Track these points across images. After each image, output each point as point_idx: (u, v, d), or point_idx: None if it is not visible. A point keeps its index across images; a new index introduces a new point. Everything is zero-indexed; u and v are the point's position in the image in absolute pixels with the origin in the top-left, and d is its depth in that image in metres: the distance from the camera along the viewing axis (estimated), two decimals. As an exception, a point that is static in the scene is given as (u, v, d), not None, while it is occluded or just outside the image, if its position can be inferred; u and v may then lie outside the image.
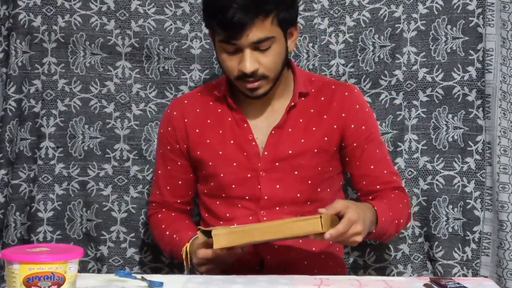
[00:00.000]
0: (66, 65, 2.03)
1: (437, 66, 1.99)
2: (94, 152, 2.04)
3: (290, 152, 1.68)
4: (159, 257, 2.06)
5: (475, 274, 1.98)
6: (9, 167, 2.03)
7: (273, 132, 1.69)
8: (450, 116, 1.99)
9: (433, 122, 2.00)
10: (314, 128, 1.70)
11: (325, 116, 1.71)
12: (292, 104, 1.69)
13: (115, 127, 2.04)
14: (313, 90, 1.73)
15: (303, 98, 1.71)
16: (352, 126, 1.72)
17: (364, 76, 2.00)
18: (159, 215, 1.81)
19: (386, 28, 1.99)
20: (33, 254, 1.20)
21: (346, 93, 1.74)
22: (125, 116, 2.04)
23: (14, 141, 2.02)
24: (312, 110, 1.71)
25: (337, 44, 2.01)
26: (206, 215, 1.76)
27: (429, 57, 1.99)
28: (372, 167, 1.73)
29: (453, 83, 1.98)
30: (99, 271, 2.05)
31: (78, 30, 2.01)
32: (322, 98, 1.72)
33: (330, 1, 2.00)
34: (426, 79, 1.99)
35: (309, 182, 1.69)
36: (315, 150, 1.69)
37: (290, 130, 1.69)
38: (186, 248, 1.60)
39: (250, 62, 1.58)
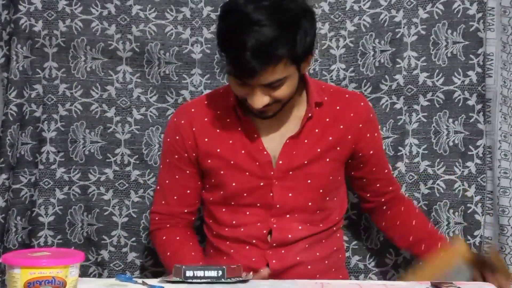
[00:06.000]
0: (67, 69, 2.03)
1: (437, 70, 1.99)
2: (95, 156, 2.04)
3: (305, 162, 1.67)
4: (160, 261, 2.05)
5: (476, 278, 1.97)
6: (10, 171, 2.03)
7: (287, 141, 1.67)
8: (450, 120, 1.99)
9: (433, 126, 2.00)
10: (330, 138, 1.69)
11: (341, 126, 1.70)
12: (310, 115, 1.67)
13: (116, 131, 2.04)
14: (326, 98, 1.71)
15: (317, 108, 1.69)
16: (368, 135, 1.73)
17: (365, 80, 2.00)
18: (164, 237, 1.76)
19: (386, 33, 1.99)
20: (34, 259, 1.19)
21: (362, 104, 1.75)
22: (126, 120, 2.04)
23: (15, 146, 2.02)
24: (327, 119, 1.70)
25: (337, 48, 2.01)
26: (211, 221, 1.75)
27: (429, 61, 1.99)
28: (386, 171, 1.83)
29: (454, 87, 1.99)
30: (100, 276, 2.05)
31: (79, 35, 2.01)
32: (338, 107, 1.71)
33: (330, 6, 2.01)
34: (427, 84, 2.00)
35: (321, 190, 1.68)
36: (327, 159, 1.69)
37: (306, 141, 1.68)
38: None
39: (259, 99, 1.53)
